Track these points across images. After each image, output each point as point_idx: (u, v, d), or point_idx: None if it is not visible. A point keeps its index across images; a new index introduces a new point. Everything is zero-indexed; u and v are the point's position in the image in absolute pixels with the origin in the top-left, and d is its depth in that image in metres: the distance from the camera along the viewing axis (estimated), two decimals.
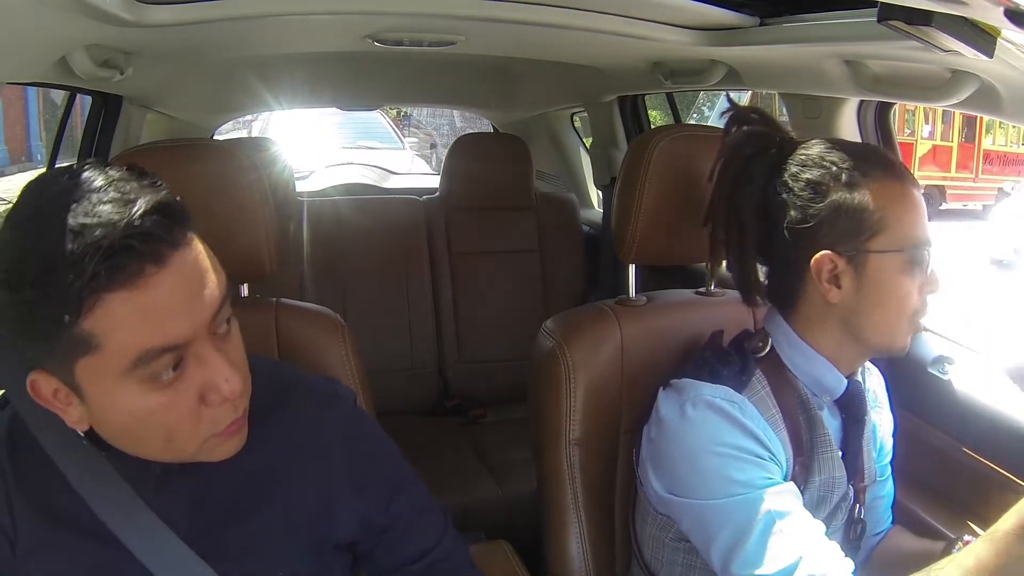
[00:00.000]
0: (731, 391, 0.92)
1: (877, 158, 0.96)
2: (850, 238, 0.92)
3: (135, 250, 0.61)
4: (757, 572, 0.83)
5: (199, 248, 0.68)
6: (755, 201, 0.98)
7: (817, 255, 0.93)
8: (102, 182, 0.63)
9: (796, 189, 0.95)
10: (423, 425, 2.27)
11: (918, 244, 0.93)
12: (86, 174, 0.64)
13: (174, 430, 0.69)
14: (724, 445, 0.89)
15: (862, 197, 0.92)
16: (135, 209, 0.62)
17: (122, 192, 0.63)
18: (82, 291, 0.60)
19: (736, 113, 1.03)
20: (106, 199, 0.62)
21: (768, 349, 0.98)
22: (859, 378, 1.03)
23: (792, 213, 0.94)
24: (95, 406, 0.67)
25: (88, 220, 0.61)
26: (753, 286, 1.01)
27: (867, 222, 0.92)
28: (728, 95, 1.15)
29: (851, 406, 1.02)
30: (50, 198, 0.63)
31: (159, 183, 0.66)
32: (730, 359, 0.97)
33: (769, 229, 0.97)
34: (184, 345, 0.66)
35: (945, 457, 1.25)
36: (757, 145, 0.99)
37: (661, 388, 0.98)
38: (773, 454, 0.92)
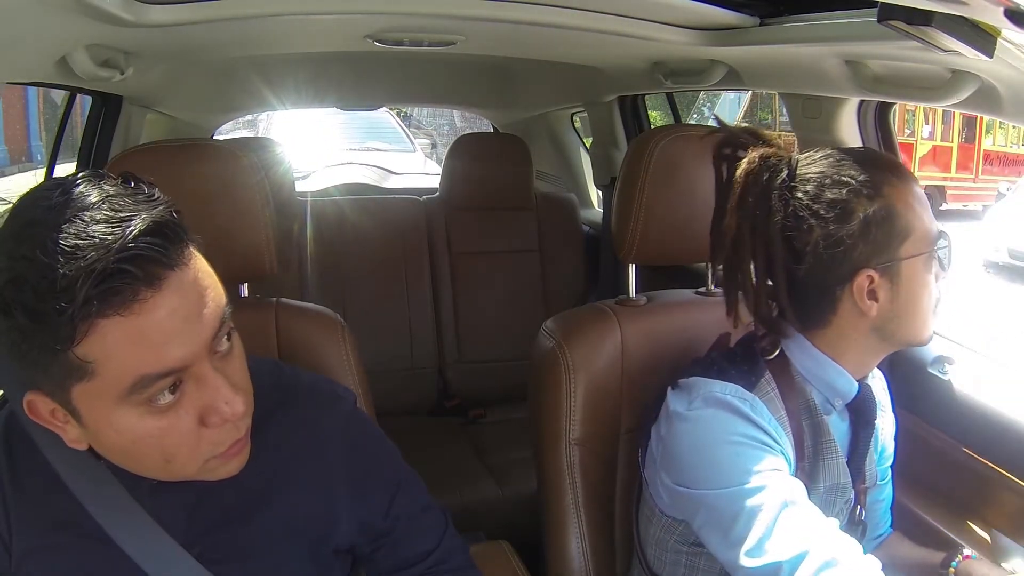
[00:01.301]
0: (742, 389, 0.92)
1: (883, 162, 0.96)
2: (883, 250, 0.91)
3: (129, 274, 0.59)
4: (771, 559, 0.82)
5: (198, 265, 0.66)
6: (780, 229, 0.93)
7: (858, 276, 0.91)
8: (96, 198, 0.61)
9: (821, 211, 0.90)
10: (423, 425, 2.27)
11: (938, 239, 0.94)
12: (79, 189, 0.62)
13: (173, 453, 0.68)
14: (737, 435, 0.89)
15: (885, 206, 0.90)
16: (129, 229, 0.59)
17: (116, 209, 0.60)
18: (75, 317, 0.58)
19: (729, 136, 0.98)
20: (99, 217, 0.59)
21: (777, 352, 0.97)
22: (868, 381, 1.03)
23: (819, 236, 0.90)
24: (92, 429, 0.66)
25: (80, 241, 0.58)
26: (786, 313, 0.96)
27: (895, 230, 0.91)
28: (717, 116, 1.11)
29: (862, 409, 1.01)
30: (42, 216, 0.60)
31: (156, 197, 0.63)
32: (738, 359, 0.97)
33: (794, 255, 0.93)
34: (183, 368, 0.64)
35: (945, 457, 1.25)
36: (772, 169, 0.94)
37: (670, 388, 0.98)
38: (783, 449, 0.92)
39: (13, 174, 10.41)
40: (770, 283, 0.95)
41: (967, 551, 1.04)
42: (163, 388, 0.64)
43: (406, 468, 0.92)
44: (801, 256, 0.92)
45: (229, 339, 0.69)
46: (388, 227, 2.36)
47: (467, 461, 2.07)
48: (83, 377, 0.62)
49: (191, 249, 0.65)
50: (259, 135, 5.33)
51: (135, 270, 0.59)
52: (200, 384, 0.66)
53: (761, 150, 0.94)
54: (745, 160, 0.94)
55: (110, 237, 0.59)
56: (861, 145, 1.50)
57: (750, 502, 0.85)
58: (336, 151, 6.02)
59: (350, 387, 0.98)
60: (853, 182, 0.91)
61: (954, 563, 1.03)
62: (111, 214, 0.60)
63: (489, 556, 1.15)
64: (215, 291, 0.67)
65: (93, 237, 0.58)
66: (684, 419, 0.92)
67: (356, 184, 3.55)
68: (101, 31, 1.16)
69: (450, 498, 1.81)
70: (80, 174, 0.64)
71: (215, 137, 2.78)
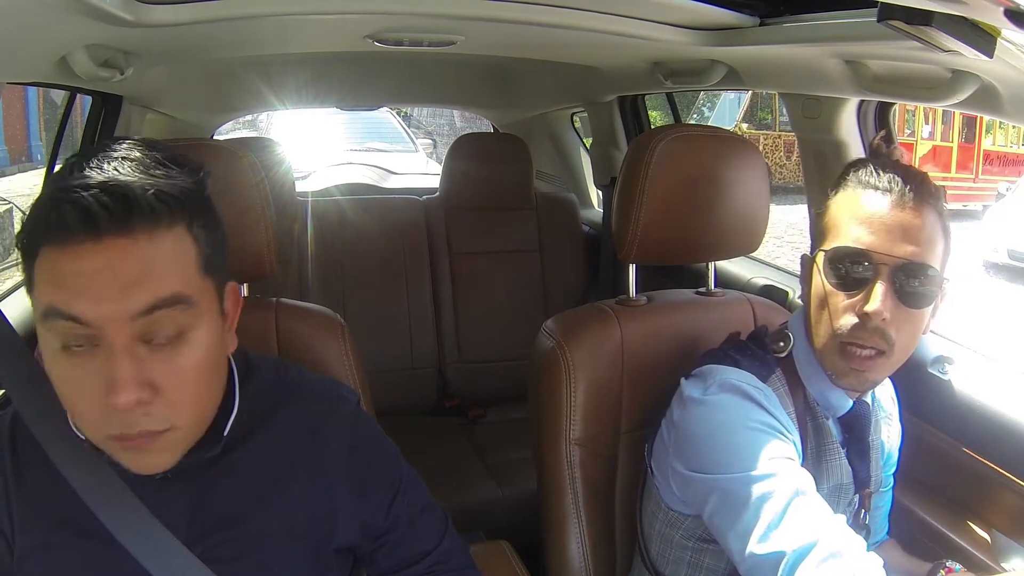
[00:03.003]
0: (756, 378, 0.93)
1: (869, 167, 0.95)
2: (816, 241, 0.98)
3: (64, 215, 0.63)
4: (778, 547, 0.82)
5: (161, 248, 0.67)
6: None
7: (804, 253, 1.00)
8: (121, 154, 0.67)
9: None
10: (423, 425, 2.27)
11: (843, 249, 0.92)
12: (122, 146, 0.68)
13: (72, 406, 0.69)
14: (753, 421, 0.89)
15: (828, 204, 0.97)
16: (93, 182, 0.64)
17: (116, 169, 0.66)
18: (31, 234, 0.66)
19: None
20: (101, 168, 0.65)
21: (788, 352, 0.99)
22: (867, 399, 1.03)
23: None
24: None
25: (73, 180, 0.64)
26: None
27: (820, 226, 0.98)
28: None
29: (853, 426, 1.01)
30: (84, 160, 0.67)
31: (174, 176, 0.68)
32: (750, 353, 0.98)
33: None
34: (91, 326, 0.65)
35: (945, 457, 1.25)
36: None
37: (683, 377, 0.98)
38: (795, 441, 0.93)
39: (13, 174, 10.39)
40: None
41: (949, 563, 1.04)
42: (70, 333, 0.65)
43: (407, 468, 0.92)
44: None
45: (179, 343, 0.68)
46: (388, 227, 2.36)
47: (467, 461, 2.07)
48: (31, 290, 0.68)
49: (166, 231, 0.67)
50: (259, 135, 5.33)
51: (71, 214, 0.63)
52: (108, 356, 0.66)
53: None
54: None
55: (85, 183, 0.64)
56: (863, 146, 1.50)
57: (763, 488, 0.84)
58: (337, 151, 6.01)
59: (350, 387, 0.98)
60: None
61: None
62: (112, 168, 0.66)
63: (489, 556, 1.15)
64: (165, 279, 0.67)
65: (81, 179, 0.65)
66: (701, 403, 0.92)
67: (356, 184, 3.55)
68: (101, 31, 1.16)
69: (450, 498, 1.81)
70: (139, 139, 0.70)
71: (215, 137, 2.78)
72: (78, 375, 0.67)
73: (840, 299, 0.92)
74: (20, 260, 0.68)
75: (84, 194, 0.63)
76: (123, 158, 0.67)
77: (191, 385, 0.70)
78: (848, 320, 0.91)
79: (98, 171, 0.65)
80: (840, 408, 0.99)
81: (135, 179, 0.66)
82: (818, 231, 0.98)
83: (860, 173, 0.94)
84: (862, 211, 0.92)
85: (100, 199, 0.63)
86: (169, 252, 0.67)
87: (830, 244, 0.94)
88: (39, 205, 0.67)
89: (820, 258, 0.94)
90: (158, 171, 0.67)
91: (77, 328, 0.65)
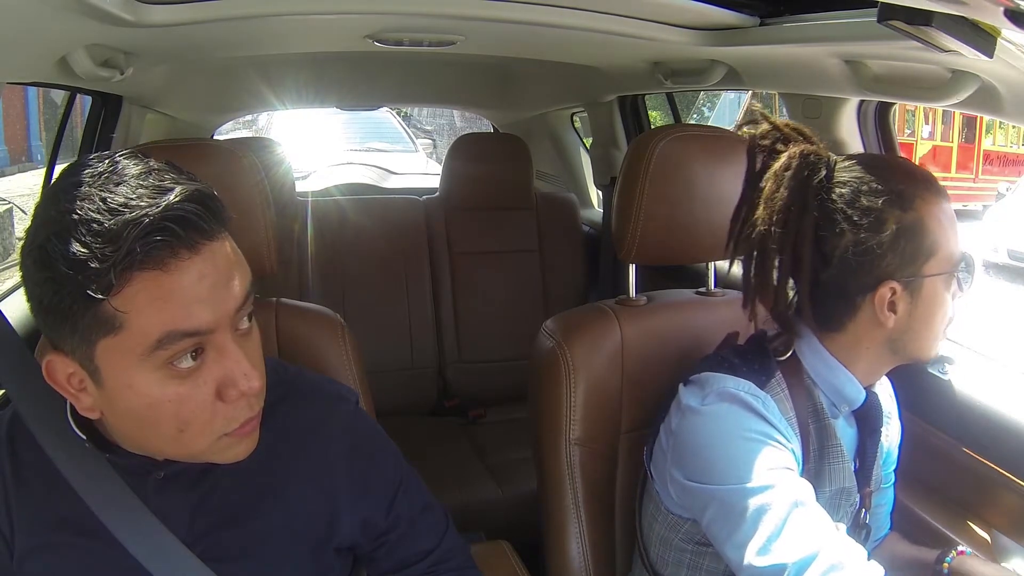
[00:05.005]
0: (754, 386, 0.92)
1: (918, 174, 0.94)
2: (909, 264, 0.91)
3: (172, 232, 0.62)
4: (778, 560, 0.81)
5: (231, 243, 0.70)
6: (812, 228, 0.92)
7: (881, 287, 0.91)
8: (141, 169, 0.65)
9: (854, 217, 0.90)
10: (423, 425, 2.27)
11: (961, 260, 0.93)
12: (126, 160, 0.66)
13: (187, 423, 0.69)
14: (751, 431, 0.89)
15: (917, 221, 0.90)
16: (175, 194, 0.63)
17: (161, 179, 0.64)
18: (116, 267, 0.61)
19: (773, 128, 0.97)
20: (146, 184, 0.63)
21: (790, 353, 0.97)
22: (875, 389, 1.03)
23: (850, 242, 0.90)
24: (111, 390, 0.67)
25: (128, 201, 0.62)
26: (804, 314, 0.95)
27: (923, 246, 0.90)
28: (760, 110, 1.06)
29: (868, 417, 1.01)
30: (89, 180, 0.64)
31: (196, 178, 0.67)
32: (750, 357, 0.96)
33: (822, 257, 0.93)
34: (206, 334, 0.66)
35: (945, 457, 1.25)
36: (811, 167, 0.93)
37: (681, 384, 0.97)
38: (793, 449, 0.92)
39: (13, 174, 10.39)
40: (791, 281, 0.95)
41: (961, 547, 1.04)
42: (186, 349, 0.66)
43: (407, 468, 0.92)
44: (829, 259, 0.92)
45: (250, 320, 0.72)
46: (388, 227, 2.37)
47: (467, 461, 2.07)
48: (112, 331, 0.64)
49: (226, 230, 0.69)
50: (259, 135, 5.32)
51: (178, 230, 0.63)
52: (220, 355, 0.68)
53: (803, 146, 0.94)
54: (786, 154, 0.94)
55: (157, 199, 0.63)
56: (863, 146, 1.50)
57: (761, 499, 0.84)
58: (337, 151, 6.01)
59: (349, 386, 0.98)
60: (889, 191, 0.90)
61: (948, 559, 1.03)
62: (157, 182, 0.64)
63: (489, 556, 1.15)
64: (243, 269, 0.70)
65: (140, 199, 0.62)
66: (698, 413, 0.92)
67: (356, 184, 3.55)
68: (101, 31, 1.16)
69: (450, 498, 1.81)
70: (125, 150, 0.68)
71: (215, 137, 2.78)
72: (187, 392, 0.67)
73: (948, 302, 0.94)
74: (68, 312, 0.63)
75: (179, 209, 0.63)
76: (152, 171, 0.65)
77: (263, 364, 0.74)
78: (950, 314, 0.96)
79: (150, 190, 0.63)
80: (856, 400, 0.98)
81: (193, 184, 0.65)
82: (908, 251, 0.90)
83: (917, 184, 0.93)
84: (950, 215, 0.93)
85: (195, 211, 0.64)
86: (232, 243, 0.70)
87: (948, 259, 0.92)
88: (106, 239, 0.61)
89: (939, 279, 0.92)
90: (183, 175, 0.67)
91: (189, 342, 0.66)
